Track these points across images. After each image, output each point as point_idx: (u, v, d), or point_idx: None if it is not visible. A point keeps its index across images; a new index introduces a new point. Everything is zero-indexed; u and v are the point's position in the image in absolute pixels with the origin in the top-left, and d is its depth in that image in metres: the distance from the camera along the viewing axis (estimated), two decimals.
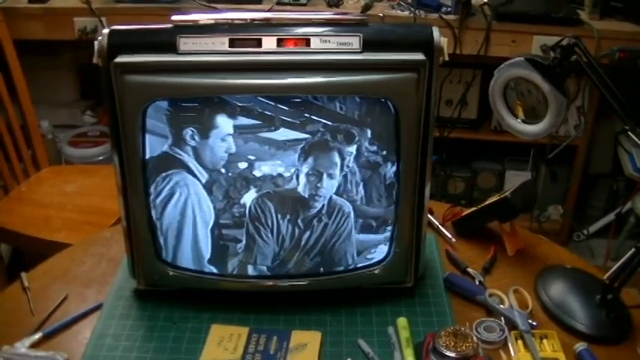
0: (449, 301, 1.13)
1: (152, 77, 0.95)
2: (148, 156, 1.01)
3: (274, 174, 1.03)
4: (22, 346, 1.01)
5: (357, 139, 1.01)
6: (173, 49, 0.96)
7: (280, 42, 0.97)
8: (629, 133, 1.05)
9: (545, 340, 1.04)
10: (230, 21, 1.00)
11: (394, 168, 1.03)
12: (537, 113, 1.13)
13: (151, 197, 1.03)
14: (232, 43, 0.97)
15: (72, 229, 1.89)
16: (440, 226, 1.32)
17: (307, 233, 1.07)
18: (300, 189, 1.04)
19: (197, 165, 1.02)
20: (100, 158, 2.61)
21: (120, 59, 0.95)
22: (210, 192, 1.03)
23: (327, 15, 1.02)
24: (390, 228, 1.08)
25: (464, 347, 0.95)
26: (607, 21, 2.22)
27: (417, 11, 2.22)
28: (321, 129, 1.00)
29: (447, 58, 0.99)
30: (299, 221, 1.06)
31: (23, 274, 1.18)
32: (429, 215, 1.27)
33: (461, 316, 1.09)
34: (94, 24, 2.24)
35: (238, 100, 0.98)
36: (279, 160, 1.02)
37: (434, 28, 0.98)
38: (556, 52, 1.08)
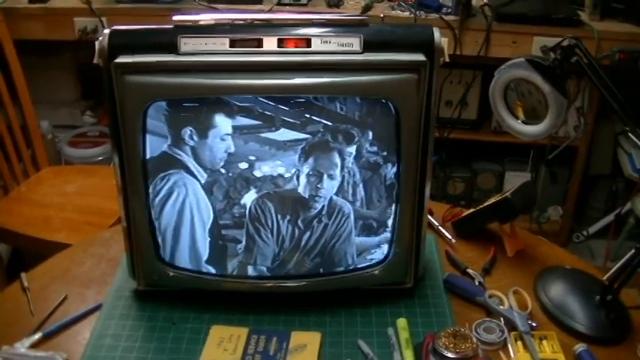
0: (448, 302, 1.13)
1: (153, 77, 0.95)
2: (148, 156, 1.01)
3: (274, 174, 1.03)
4: (22, 347, 1.01)
5: (356, 139, 1.01)
6: (174, 49, 0.96)
7: (281, 43, 0.97)
8: (629, 134, 1.05)
9: (544, 341, 1.04)
10: (231, 21, 1.00)
11: (394, 169, 1.03)
12: (537, 114, 1.13)
13: (150, 197, 1.03)
14: (233, 43, 0.97)
15: (71, 229, 1.89)
16: (440, 227, 1.32)
17: (307, 234, 1.07)
18: (300, 189, 1.04)
19: (196, 165, 1.02)
20: (100, 158, 2.61)
21: (121, 59, 0.95)
22: (210, 192, 1.03)
23: (328, 15, 1.02)
24: (389, 229, 1.08)
25: (463, 348, 0.95)
26: (607, 22, 2.22)
27: (417, 12, 2.22)
28: (322, 129, 1.00)
29: (447, 59, 0.99)
30: (299, 222, 1.06)
31: (23, 275, 1.18)
32: (428, 216, 1.27)
33: (460, 316, 1.09)
34: (95, 24, 2.24)
35: (238, 100, 0.98)
36: (279, 160, 1.02)
37: (434, 28, 0.98)
38: (556, 53, 1.08)
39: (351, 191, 1.04)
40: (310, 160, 1.02)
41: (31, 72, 2.18)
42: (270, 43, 0.97)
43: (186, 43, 0.96)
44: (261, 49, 0.97)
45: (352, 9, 2.30)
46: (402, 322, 1.06)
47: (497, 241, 1.28)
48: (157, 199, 1.04)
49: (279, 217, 1.05)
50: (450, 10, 2.22)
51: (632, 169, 2.40)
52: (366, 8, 2.24)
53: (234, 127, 0.99)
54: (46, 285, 1.16)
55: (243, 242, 1.07)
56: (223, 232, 1.06)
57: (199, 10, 2.18)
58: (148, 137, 0.99)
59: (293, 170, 1.02)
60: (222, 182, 1.03)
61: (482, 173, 2.68)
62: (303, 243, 1.07)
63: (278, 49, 0.97)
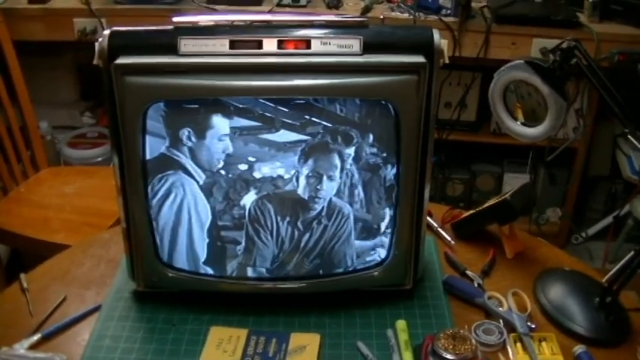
0: (448, 304, 1.13)
1: (153, 79, 0.95)
2: (147, 157, 1.01)
3: (274, 175, 1.03)
4: (21, 348, 1.01)
5: (355, 140, 1.01)
6: (174, 50, 0.96)
7: (281, 44, 0.97)
8: (629, 136, 1.05)
9: (544, 343, 1.04)
10: (230, 23, 1.01)
11: (394, 170, 1.03)
12: (537, 116, 1.14)
13: (148, 198, 1.03)
14: (233, 44, 0.97)
15: (71, 230, 1.89)
16: (439, 229, 1.32)
17: (307, 235, 1.07)
18: (300, 191, 1.04)
19: (194, 166, 1.02)
20: (99, 159, 2.61)
21: (120, 60, 0.95)
22: (209, 193, 1.03)
23: (328, 17, 1.02)
24: (389, 230, 1.08)
25: (463, 350, 0.95)
26: (606, 24, 2.23)
27: (416, 13, 2.22)
28: (321, 131, 1.00)
29: (447, 61, 0.99)
30: (298, 223, 1.06)
31: (22, 276, 1.18)
32: (428, 217, 1.27)
33: (460, 318, 1.09)
34: (94, 25, 2.24)
35: (238, 102, 0.98)
36: (279, 161, 1.02)
37: (434, 30, 0.99)
38: (556, 55, 1.08)
39: (350, 192, 1.04)
40: (310, 162, 1.02)
41: (30, 73, 2.18)
42: (269, 44, 0.97)
43: (186, 44, 0.96)
44: (260, 50, 0.97)
45: (352, 10, 2.30)
46: (401, 324, 1.06)
47: (497, 242, 1.28)
48: (155, 200, 1.04)
49: (279, 218, 1.05)
50: (449, 12, 2.22)
51: (631, 171, 2.40)
52: (366, 10, 2.24)
53: (233, 128, 0.99)
54: (45, 286, 1.16)
55: (243, 243, 1.07)
56: (222, 233, 1.06)
57: (199, 12, 2.19)
58: (148, 138, 0.99)
59: (293, 171, 1.02)
60: (222, 183, 1.03)
61: (482, 175, 2.68)
62: (302, 244, 1.07)
63: (278, 50, 0.97)
